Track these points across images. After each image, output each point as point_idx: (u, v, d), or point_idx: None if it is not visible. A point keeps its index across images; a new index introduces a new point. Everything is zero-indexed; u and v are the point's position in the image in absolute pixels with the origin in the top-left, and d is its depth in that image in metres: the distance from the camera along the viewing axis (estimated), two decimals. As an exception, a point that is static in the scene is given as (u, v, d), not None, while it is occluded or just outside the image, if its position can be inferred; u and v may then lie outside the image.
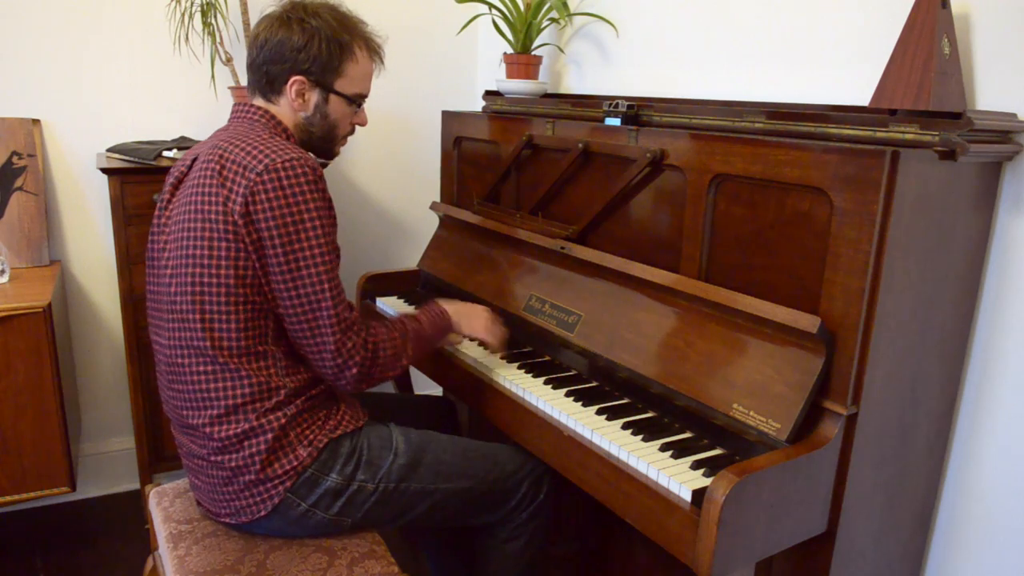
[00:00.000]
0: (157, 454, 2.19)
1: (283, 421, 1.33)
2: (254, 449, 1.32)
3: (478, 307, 1.65)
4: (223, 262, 1.28)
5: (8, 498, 1.90)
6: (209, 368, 1.32)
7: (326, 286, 1.29)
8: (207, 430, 1.33)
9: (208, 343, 1.30)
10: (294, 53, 1.38)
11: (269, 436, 1.32)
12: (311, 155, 1.31)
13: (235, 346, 1.31)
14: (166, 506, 1.48)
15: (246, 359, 1.32)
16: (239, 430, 1.32)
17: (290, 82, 1.40)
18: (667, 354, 1.44)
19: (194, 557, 1.33)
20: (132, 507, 2.39)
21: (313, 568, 1.32)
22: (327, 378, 1.38)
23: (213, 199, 1.28)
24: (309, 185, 1.28)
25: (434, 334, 1.54)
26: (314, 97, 1.43)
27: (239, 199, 1.26)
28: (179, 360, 1.35)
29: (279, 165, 1.26)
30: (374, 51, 1.49)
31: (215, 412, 1.32)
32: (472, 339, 1.65)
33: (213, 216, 1.28)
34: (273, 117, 1.42)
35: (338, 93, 1.44)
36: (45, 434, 1.89)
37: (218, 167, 1.29)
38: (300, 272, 1.28)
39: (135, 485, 2.46)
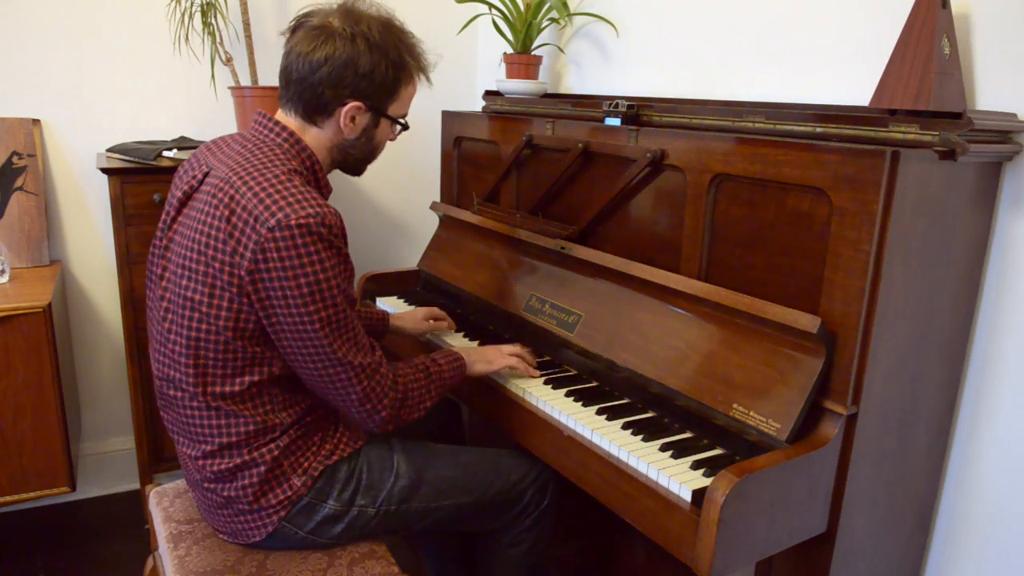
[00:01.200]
0: (157, 454, 2.19)
1: (276, 453, 1.29)
2: (246, 481, 1.29)
3: (489, 346, 1.59)
4: (223, 312, 1.20)
5: (8, 498, 1.89)
6: (203, 405, 1.27)
7: (344, 342, 1.22)
8: (199, 462, 1.30)
9: (200, 389, 1.25)
10: (357, 78, 1.25)
11: (262, 468, 1.29)
12: (330, 207, 1.20)
13: (228, 392, 1.25)
14: (166, 506, 1.48)
15: (240, 402, 1.27)
16: (232, 464, 1.28)
17: (347, 107, 1.27)
18: (667, 354, 1.44)
19: (194, 557, 1.33)
20: (132, 507, 2.39)
21: (313, 568, 1.32)
22: (356, 421, 1.34)
23: (220, 246, 1.18)
24: (323, 243, 1.17)
25: (452, 376, 1.46)
26: (364, 121, 1.32)
27: (247, 254, 1.16)
28: (169, 392, 1.30)
29: (292, 223, 1.14)
30: (425, 72, 1.39)
31: (208, 448, 1.28)
32: (501, 372, 1.58)
33: (217, 265, 1.19)
34: (299, 142, 1.30)
35: (388, 117, 1.35)
36: (45, 434, 1.89)
37: (227, 212, 1.18)
38: (314, 335, 1.19)
39: (135, 485, 2.45)
